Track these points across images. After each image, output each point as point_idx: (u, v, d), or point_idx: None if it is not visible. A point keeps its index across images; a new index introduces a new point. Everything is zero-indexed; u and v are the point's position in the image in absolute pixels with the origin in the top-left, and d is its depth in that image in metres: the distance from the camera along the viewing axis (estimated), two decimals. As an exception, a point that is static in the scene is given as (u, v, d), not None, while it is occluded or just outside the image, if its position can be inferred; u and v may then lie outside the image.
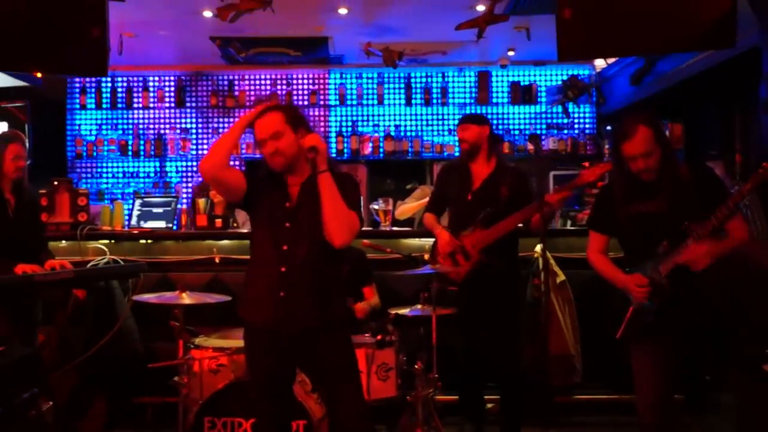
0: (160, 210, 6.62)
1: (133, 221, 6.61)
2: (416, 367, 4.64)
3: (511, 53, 8.86)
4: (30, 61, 5.18)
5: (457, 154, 8.97)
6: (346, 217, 3.42)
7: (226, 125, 9.44)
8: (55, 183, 6.27)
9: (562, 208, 5.13)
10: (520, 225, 4.90)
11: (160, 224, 6.54)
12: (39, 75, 8.13)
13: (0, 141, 4.88)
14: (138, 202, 6.75)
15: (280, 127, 3.44)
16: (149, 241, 6.31)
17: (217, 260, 6.11)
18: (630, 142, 3.73)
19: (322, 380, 3.63)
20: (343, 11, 7.20)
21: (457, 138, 5.23)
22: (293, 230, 3.50)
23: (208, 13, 7.12)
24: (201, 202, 6.45)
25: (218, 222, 6.30)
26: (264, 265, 3.54)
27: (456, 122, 9.05)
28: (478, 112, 9.28)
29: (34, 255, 4.84)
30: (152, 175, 9.46)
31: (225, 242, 6.20)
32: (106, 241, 6.17)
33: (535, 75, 9.50)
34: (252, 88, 9.49)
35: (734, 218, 3.72)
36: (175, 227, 6.64)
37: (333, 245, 3.43)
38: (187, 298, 4.56)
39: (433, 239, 5.30)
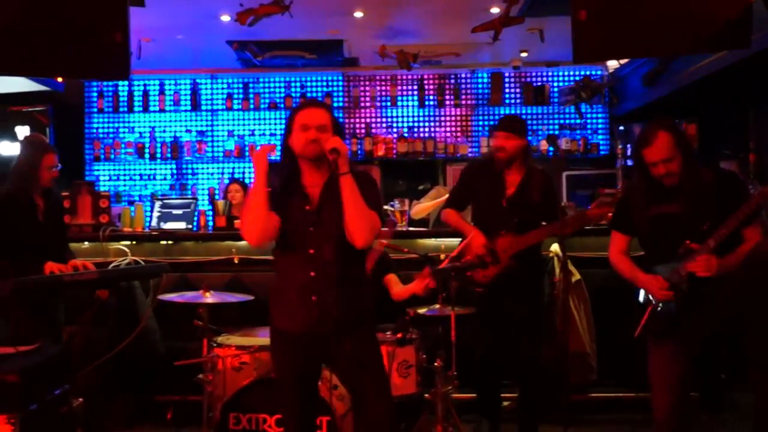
0: (179, 212, 6.69)
1: (153, 222, 6.70)
2: (436, 364, 4.73)
3: (524, 54, 8.93)
4: (55, 66, 5.28)
5: (469, 155, 9.08)
6: (368, 219, 3.47)
7: (241, 127, 9.59)
8: (76, 185, 6.38)
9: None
10: None
11: (180, 225, 6.62)
12: (60, 80, 8.23)
13: (37, 149, 5.01)
14: (158, 203, 6.84)
15: (326, 121, 3.51)
16: (169, 242, 6.41)
17: (236, 260, 6.20)
18: (651, 149, 3.79)
19: (350, 377, 3.67)
20: (358, 15, 7.28)
21: (491, 143, 5.20)
22: (317, 233, 3.52)
23: (225, 18, 7.21)
24: (220, 203, 6.55)
25: (237, 223, 6.38)
26: (292, 270, 3.56)
27: (470, 123, 9.26)
28: (492, 112, 9.40)
29: (59, 256, 4.96)
30: (169, 177, 9.57)
31: (244, 243, 6.22)
32: (128, 242, 6.28)
33: (547, 76, 9.57)
34: (267, 90, 9.59)
35: (752, 223, 3.79)
36: (194, 229, 6.73)
37: (355, 246, 3.49)
38: (210, 297, 4.67)
39: (454, 237, 5.36)
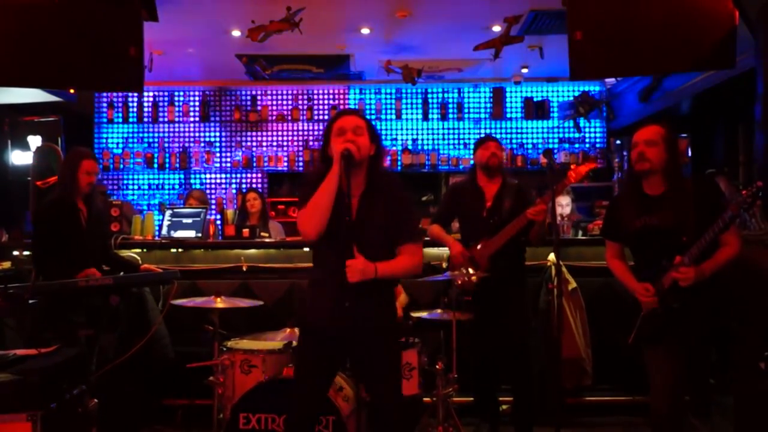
0: (189, 220, 6.78)
1: (164, 231, 6.79)
2: (437, 367, 4.90)
3: (524, 70, 9.12)
4: (71, 79, 5.48)
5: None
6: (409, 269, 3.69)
7: (249, 139, 9.80)
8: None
9: (546, 217, 5.34)
10: (523, 238, 5.20)
11: (190, 234, 6.69)
12: (72, 91, 8.39)
13: (74, 157, 5.17)
14: (168, 212, 6.94)
15: (362, 124, 3.64)
16: (179, 250, 6.52)
17: (244, 268, 6.27)
18: (641, 131, 4.02)
19: (370, 376, 3.74)
20: (365, 31, 7.48)
21: (472, 152, 5.52)
22: (356, 242, 3.56)
23: (236, 33, 7.39)
24: (229, 213, 6.68)
25: (245, 231, 6.52)
26: (328, 276, 3.65)
27: (472, 137, 9.44)
28: (493, 126, 9.63)
29: (103, 261, 5.26)
30: (177, 186, 9.77)
31: (252, 251, 6.40)
32: (138, 250, 6.41)
33: (547, 91, 9.78)
34: (274, 103, 9.81)
35: (728, 231, 3.89)
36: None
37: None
38: (221, 303, 4.83)
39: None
